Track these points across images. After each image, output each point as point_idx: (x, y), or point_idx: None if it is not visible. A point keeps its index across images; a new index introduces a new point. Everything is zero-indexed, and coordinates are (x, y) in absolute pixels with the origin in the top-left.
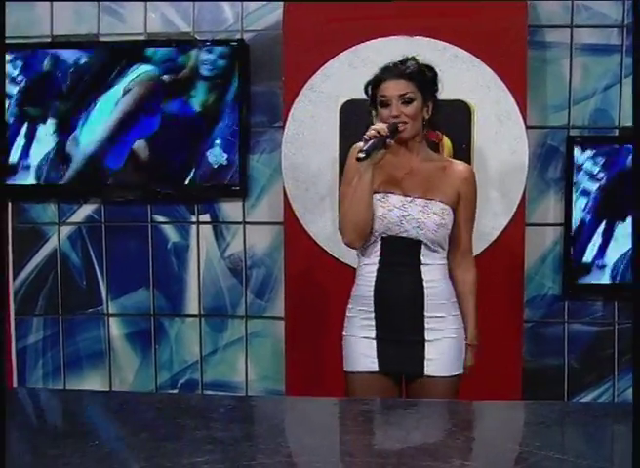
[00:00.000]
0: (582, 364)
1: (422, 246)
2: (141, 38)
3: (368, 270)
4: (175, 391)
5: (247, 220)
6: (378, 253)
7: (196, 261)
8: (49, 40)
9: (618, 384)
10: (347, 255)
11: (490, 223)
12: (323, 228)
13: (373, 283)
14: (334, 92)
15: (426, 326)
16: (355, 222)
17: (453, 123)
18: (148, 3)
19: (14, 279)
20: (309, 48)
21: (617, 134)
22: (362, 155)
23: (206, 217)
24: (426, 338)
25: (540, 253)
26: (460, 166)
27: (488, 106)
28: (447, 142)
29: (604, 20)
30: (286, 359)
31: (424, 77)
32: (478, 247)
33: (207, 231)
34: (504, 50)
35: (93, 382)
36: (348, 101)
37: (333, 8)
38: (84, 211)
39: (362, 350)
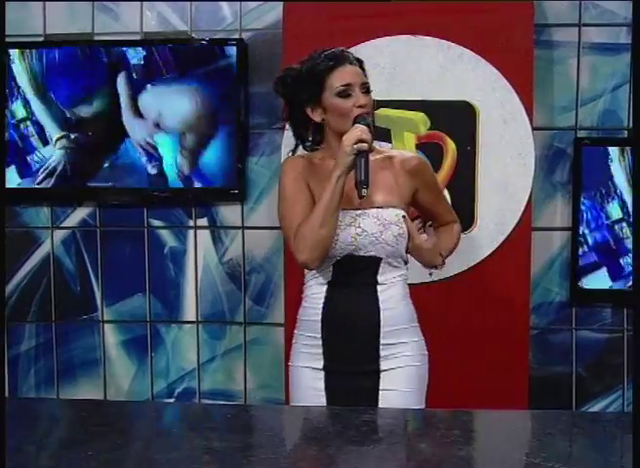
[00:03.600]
0: (591, 372)
1: (381, 263)
2: (137, 37)
3: (316, 291)
4: (171, 400)
5: (246, 224)
6: (329, 273)
7: (193, 267)
8: (41, 39)
9: (627, 393)
10: None
11: (495, 228)
12: None
13: (321, 305)
14: None
15: (382, 354)
16: (318, 241)
17: (457, 124)
18: (144, 1)
19: (5, 284)
20: (310, 47)
21: (626, 135)
22: (365, 191)
23: (203, 222)
24: (381, 368)
25: (547, 259)
26: (406, 157)
27: (493, 107)
28: (451, 145)
29: (613, 19)
30: (286, 366)
31: (364, 67)
32: (483, 252)
33: (204, 236)
34: (510, 49)
35: (87, 391)
36: None
37: (333, 6)
38: (78, 214)
39: (308, 382)
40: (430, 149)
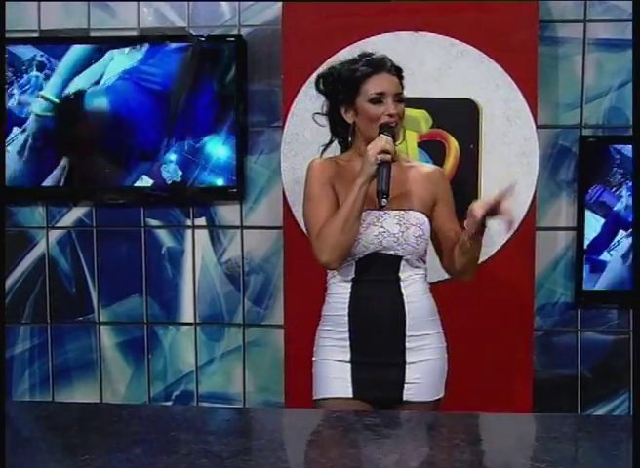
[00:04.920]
0: (596, 375)
1: (402, 261)
2: (134, 33)
3: (340, 287)
4: (169, 403)
5: (245, 224)
6: (352, 270)
7: (191, 267)
8: (36, 35)
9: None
10: None
11: (498, 228)
12: None
13: (347, 300)
14: None
15: (407, 346)
16: (339, 243)
17: (460, 122)
18: (141, 1)
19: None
20: (310, 44)
21: (632, 133)
22: (385, 201)
23: (202, 221)
24: (407, 360)
25: (552, 259)
26: (429, 168)
27: (497, 105)
28: (453, 143)
29: (619, 14)
30: (285, 369)
31: (402, 74)
32: (485, 252)
33: (203, 235)
34: (514, 46)
35: (83, 394)
36: None
37: (334, 2)
38: (74, 214)
39: (335, 374)
40: (432, 148)
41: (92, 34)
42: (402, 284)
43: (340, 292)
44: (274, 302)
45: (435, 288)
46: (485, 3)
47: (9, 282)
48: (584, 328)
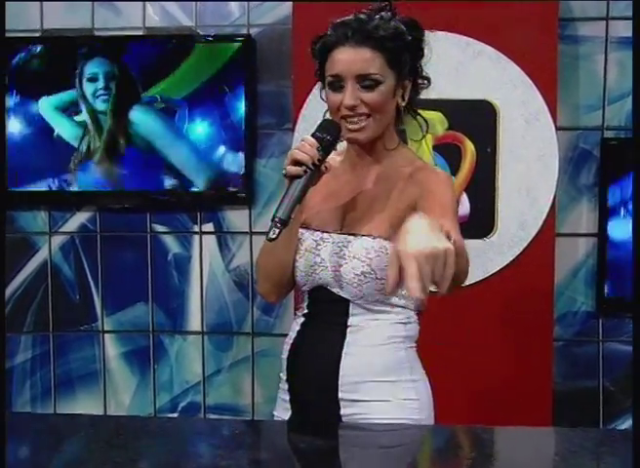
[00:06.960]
0: (619, 387)
1: (350, 304)
2: (140, 33)
3: (295, 322)
4: (175, 415)
5: (253, 230)
6: (306, 304)
7: (199, 274)
8: (39, 34)
9: None
10: None
11: (517, 233)
12: None
13: (291, 343)
14: None
15: (342, 412)
16: (263, 269)
17: (476, 125)
18: (147, 1)
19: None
20: None
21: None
22: (275, 232)
23: (209, 227)
24: None
25: (572, 266)
26: (426, 172)
27: (515, 106)
28: (470, 146)
29: None
30: None
31: (401, 42)
32: (503, 259)
33: (210, 242)
34: (533, 45)
35: (86, 405)
36: None
37: (345, 2)
38: (77, 219)
39: None
40: (448, 151)
41: (96, 33)
42: (348, 330)
43: (293, 327)
44: (284, 311)
45: (451, 296)
46: (502, 2)
47: (9, 290)
48: (607, 337)
